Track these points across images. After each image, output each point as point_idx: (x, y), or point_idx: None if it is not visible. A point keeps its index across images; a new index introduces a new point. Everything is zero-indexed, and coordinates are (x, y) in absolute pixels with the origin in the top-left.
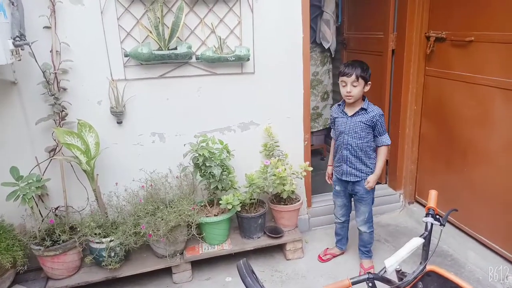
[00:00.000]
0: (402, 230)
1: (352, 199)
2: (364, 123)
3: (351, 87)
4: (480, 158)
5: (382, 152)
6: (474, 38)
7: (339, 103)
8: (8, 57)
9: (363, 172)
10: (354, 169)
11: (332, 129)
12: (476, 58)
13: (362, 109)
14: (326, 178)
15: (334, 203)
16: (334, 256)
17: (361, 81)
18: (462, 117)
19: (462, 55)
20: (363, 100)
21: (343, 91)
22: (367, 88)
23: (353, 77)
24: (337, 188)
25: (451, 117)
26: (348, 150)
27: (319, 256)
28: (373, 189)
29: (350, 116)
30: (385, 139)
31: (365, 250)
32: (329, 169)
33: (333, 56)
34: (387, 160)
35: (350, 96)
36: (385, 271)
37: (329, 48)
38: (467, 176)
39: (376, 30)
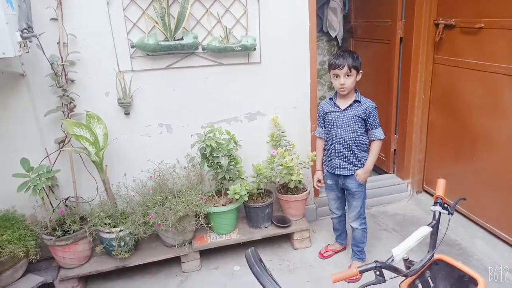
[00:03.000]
0: (410, 219)
1: (345, 193)
2: (358, 116)
3: (344, 79)
4: (490, 147)
5: (375, 147)
6: (484, 25)
7: (331, 96)
8: (17, 49)
9: (356, 166)
10: (347, 163)
11: (318, 128)
12: (486, 45)
13: (355, 101)
14: (315, 183)
15: (328, 198)
16: (335, 252)
17: (353, 71)
18: (472, 105)
19: (472, 42)
20: (355, 92)
21: (336, 83)
22: (359, 77)
23: (346, 68)
24: (329, 182)
25: (460, 105)
26: (341, 144)
27: (320, 253)
28: (364, 184)
29: (343, 110)
30: (378, 133)
31: (357, 250)
32: (319, 174)
33: (340, 44)
34: (394, 150)
35: (344, 88)
36: (393, 259)
37: (336, 36)
38: (476, 165)
39: (384, 18)
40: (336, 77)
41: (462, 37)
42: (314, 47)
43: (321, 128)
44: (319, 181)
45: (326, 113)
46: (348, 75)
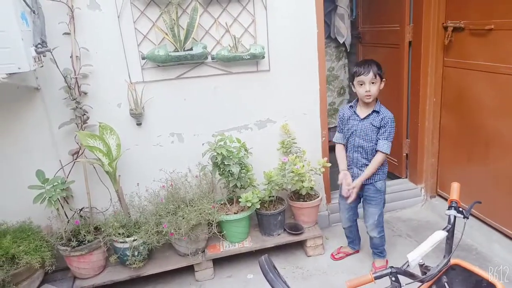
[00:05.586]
0: (424, 224)
1: (361, 200)
2: (375, 126)
3: (370, 85)
4: (504, 149)
5: (376, 158)
6: (493, 26)
7: (351, 104)
8: (31, 64)
9: (373, 175)
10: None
11: (337, 133)
12: (496, 46)
13: (374, 111)
14: (345, 186)
15: (340, 206)
16: (347, 255)
17: (378, 78)
18: (484, 107)
19: (482, 44)
20: (376, 101)
21: (361, 91)
22: (382, 85)
23: (371, 74)
24: None
25: (472, 108)
26: (359, 152)
27: (331, 254)
28: (383, 191)
29: (362, 119)
30: (385, 144)
31: (377, 251)
32: (346, 174)
33: (348, 50)
34: (406, 154)
35: (369, 95)
36: (408, 265)
37: (344, 42)
38: (490, 168)
39: (392, 22)
40: (361, 84)
41: (472, 39)
42: (322, 53)
43: (341, 134)
44: (348, 184)
45: (348, 118)
46: (373, 82)
